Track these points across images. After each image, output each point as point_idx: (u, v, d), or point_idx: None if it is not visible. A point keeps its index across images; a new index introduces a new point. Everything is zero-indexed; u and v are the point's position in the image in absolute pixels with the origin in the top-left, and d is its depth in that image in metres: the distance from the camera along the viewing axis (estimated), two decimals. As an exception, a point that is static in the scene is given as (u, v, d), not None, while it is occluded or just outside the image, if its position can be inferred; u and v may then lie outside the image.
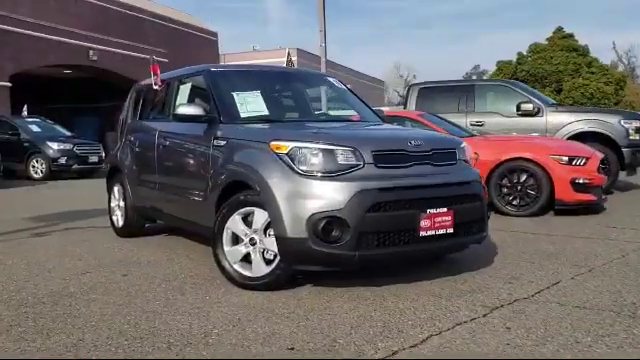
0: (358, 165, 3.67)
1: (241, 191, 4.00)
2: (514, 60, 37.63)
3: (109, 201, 6.41)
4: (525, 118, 9.82)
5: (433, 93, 10.77)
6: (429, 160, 3.92)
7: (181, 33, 35.44)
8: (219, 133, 4.37)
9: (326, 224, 3.55)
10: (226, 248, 4.06)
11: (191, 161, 4.74)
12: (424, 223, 3.70)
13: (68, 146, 16.46)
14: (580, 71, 34.82)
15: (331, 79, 5.59)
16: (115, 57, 26.46)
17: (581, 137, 9.32)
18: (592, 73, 34.94)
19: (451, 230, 3.84)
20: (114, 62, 26.39)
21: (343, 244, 3.55)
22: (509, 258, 4.83)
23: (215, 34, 40.97)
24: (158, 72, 5.67)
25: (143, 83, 6.22)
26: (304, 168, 3.67)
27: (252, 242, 3.94)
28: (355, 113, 5.25)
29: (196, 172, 4.63)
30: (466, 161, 4.22)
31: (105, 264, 4.87)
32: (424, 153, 3.91)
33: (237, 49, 44.88)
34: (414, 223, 3.68)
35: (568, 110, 10.51)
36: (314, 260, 3.65)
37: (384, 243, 3.64)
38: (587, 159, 7.25)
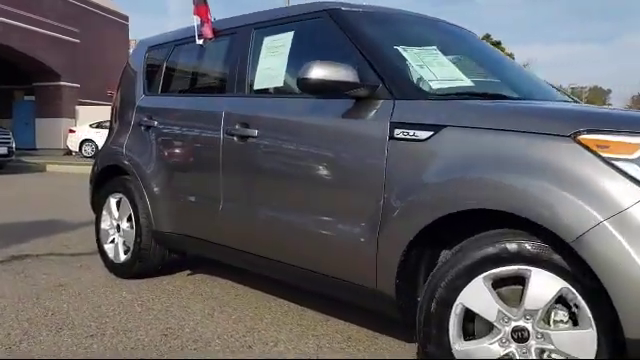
0: None
1: (485, 231, 2.04)
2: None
3: (98, 221, 4.11)
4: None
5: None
6: None
7: (90, 13, 31.85)
8: (401, 116, 2.36)
9: None
10: (458, 345, 2.07)
11: (326, 166, 2.63)
12: None
13: (-32, 133, 13.24)
14: (508, 78, 34.77)
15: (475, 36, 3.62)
16: (16, 32, 22.56)
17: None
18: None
19: None
20: (14, 37, 22.48)
21: None
22: None
23: (126, 18, 37.49)
24: (209, 17, 3.50)
25: (169, 37, 3.96)
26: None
27: (518, 335, 1.98)
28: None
29: (342, 187, 2.55)
30: None
31: (146, 346, 2.69)
32: None
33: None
34: None
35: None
36: None
37: None
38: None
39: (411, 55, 2.63)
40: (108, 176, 4.05)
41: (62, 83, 24.44)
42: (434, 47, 2.77)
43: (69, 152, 22.55)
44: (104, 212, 4.05)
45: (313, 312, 3.26)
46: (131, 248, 3.79)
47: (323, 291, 2.76)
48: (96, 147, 21.20)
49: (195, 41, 3.57)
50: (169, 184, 3.53)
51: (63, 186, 10.71)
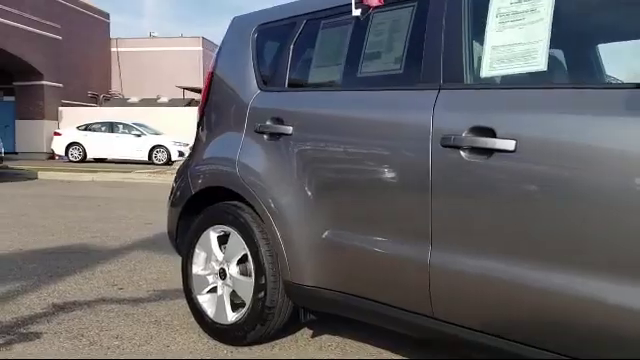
0: None
1: None
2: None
3: (188, 262, 2.97)
4: None
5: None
6: None
7: (71, 10, 30.29)
8: None
9: None
10: None
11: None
12: None
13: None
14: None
15: None
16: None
17: None
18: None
19: None
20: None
21: None
22: None
23: (107, 15, 35.98)
24: (378, -23, 2.41)
25: (293, 10, 2.84)
26: None
27: None
28: None
29: None
30: None
31: None
32: None
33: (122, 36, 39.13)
34: None
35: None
36: None
37: None
38: None
39: None
40: (204, 200, 2.93)
41: (44, 82, 22.92)
42: None
43: (52, 156, 21.13)
44: (197, 250, 2.92)
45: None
46: (247, 304, 2.67)
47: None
48: (84, 151, 19.86)
49: (350, 12, 2.47)
50: (320, 218, 2.42)
51: (65, 197, 9.45)
